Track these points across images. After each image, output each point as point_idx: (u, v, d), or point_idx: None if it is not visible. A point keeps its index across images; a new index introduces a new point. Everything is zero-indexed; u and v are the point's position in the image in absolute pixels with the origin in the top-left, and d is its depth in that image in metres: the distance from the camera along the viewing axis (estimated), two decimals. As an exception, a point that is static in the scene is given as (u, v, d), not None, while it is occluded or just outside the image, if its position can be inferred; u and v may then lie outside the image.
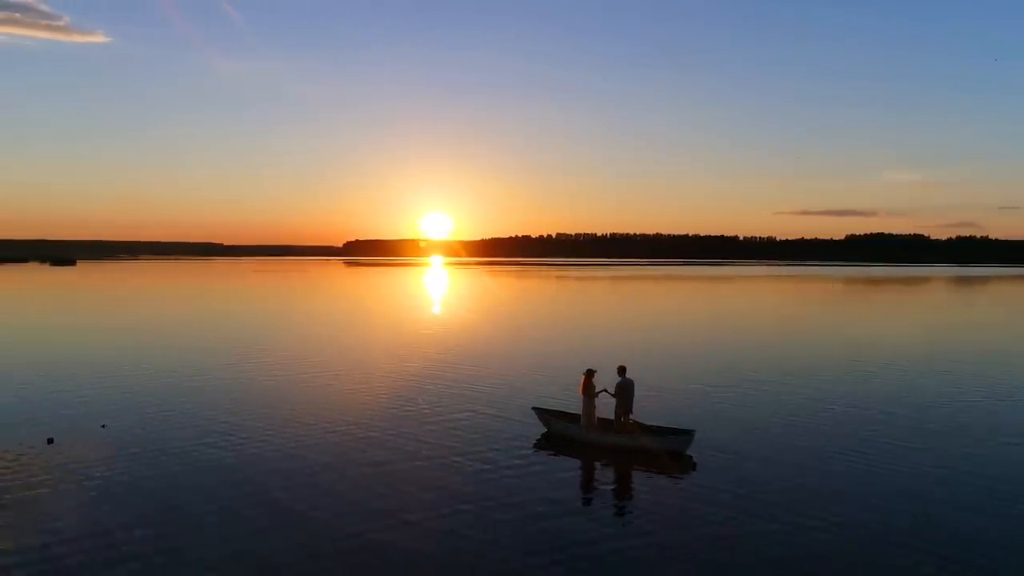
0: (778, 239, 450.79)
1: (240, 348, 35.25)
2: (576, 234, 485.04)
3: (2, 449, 17.02)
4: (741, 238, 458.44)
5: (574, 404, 19.33)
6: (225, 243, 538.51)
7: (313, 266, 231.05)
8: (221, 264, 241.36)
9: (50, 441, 17.65)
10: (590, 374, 18.35)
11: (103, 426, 19.26)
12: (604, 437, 17.87)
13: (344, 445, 18.00)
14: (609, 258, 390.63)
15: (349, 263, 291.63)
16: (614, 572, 11.14)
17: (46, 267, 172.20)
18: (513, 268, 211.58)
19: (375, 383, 26.51)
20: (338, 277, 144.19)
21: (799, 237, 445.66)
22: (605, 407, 18.31)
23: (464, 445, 17.95)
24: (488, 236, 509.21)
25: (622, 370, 18.11)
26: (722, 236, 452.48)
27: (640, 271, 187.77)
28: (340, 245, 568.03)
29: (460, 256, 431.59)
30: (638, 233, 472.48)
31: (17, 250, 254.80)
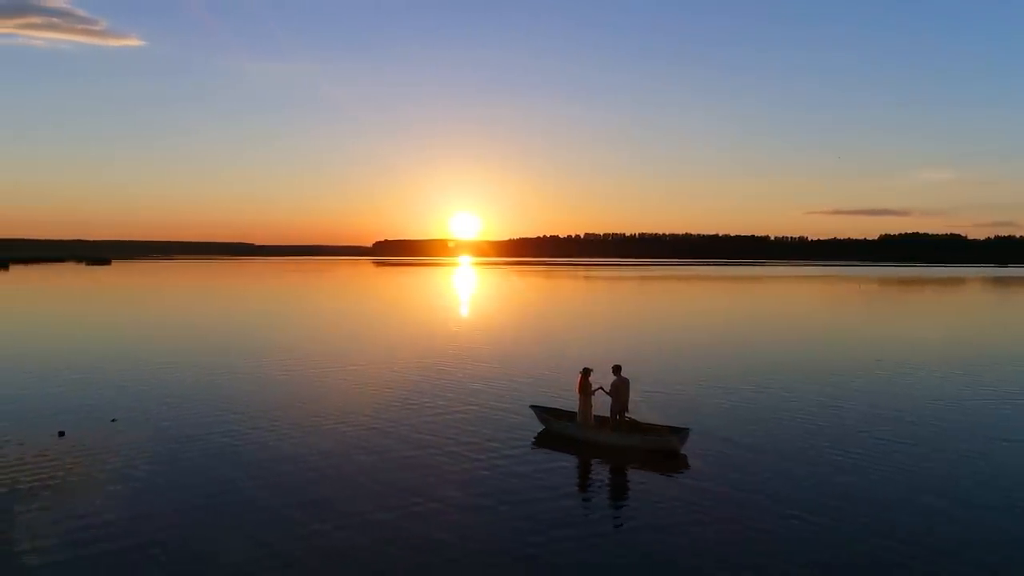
0: (810, 239, 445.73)
1: (257, 345, 35.87)
2: (604, 234, 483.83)
3: (16, 440, 17.66)
4: (772, 238, 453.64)
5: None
6: (257, 243, 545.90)
7: (342, 266, 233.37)
8: (252, 264, 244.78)
9: (61, 434, 18.23)
10: (586, 373, 18.49)
11: (113, 420, 19.82)
12: (599, 435, 17.97)
13: (346, 437, 18.47)
14: (638, 258, 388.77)
15: (378, 263, 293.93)
16: (601, 567, 11.22)
17: (82, 266, 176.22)
18: (541, 268, 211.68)
19: (388, 379, 26.90)
20: (366, 277, 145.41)
21: (831, 237, 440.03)
22: (603, 405, 18.40)
23: (462, 439, 18.28)
24: (516, 236, 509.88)
25: (617, 369, 18.20)
26: (752, 236, 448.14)
27: (668, 271, 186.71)
28: (370, 245, 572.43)
29: (488, 256, 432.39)
30: (667, 233, 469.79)
31: (55, 250, 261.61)
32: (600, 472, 16.45)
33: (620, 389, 17.91)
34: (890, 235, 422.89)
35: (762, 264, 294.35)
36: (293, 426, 19.56)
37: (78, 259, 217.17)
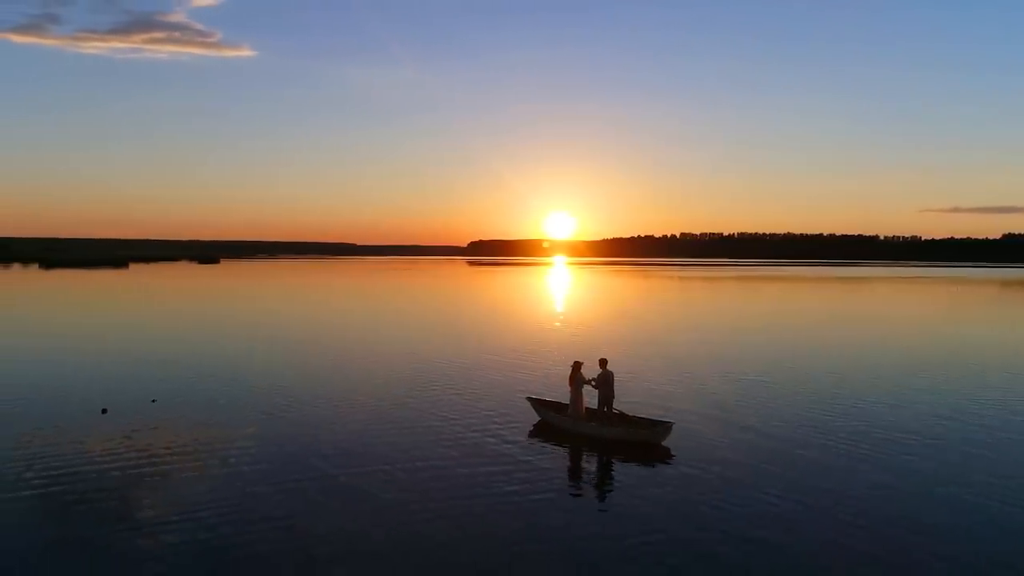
0: (923, 239, 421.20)
1: (314, 338, 37.97)
2: (701, 234, 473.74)
3: (63, 414, 19.98)
4: (881, 238, 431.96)
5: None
6: (358, 243, 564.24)
7: (435, 265, 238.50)
8: (351, 264, 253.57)
9: (104, 411, 20.28)
10: (577, 366, 19.00)
11: (153, 401, 21.78)
12: (586, 427, 18.46)
13: (362, 419, 20.03)
14: (736, 258, 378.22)
15: (472, 263, 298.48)
16: (581, 554, 11.73)
17: (193, 265, 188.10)
18: (635, 268, 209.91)
19: (429, 369, 28.35)
20: (455, 277, 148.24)
21: (948, 236, 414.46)
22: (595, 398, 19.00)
23: (465, 428, 19.28)
24: (611, 236, 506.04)
25: (603, 363, 18.68)
26: (860, 236, 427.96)
27: (765, 272, 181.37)
28: (464, 245, 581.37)
29: (583, 256, 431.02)
30: (768, 233, 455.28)
31: (173, 250, 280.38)
32: (585, 461, 17.04)
33: (606, 382, 18.37)
34: (1014, 234, 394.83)
35: (870, 265, 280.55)
36: (320, 408, 21.41)
37: (191, 258, 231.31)
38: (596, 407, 18.88)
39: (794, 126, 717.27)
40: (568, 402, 19.17)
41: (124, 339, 37.10)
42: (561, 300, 78.13)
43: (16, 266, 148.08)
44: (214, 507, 13.32)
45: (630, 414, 18.63)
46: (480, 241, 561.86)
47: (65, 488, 14.21)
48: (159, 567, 10.97)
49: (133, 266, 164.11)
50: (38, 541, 11.84)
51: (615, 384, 18.75)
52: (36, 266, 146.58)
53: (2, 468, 15.32)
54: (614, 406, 18.60)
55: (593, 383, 18.64)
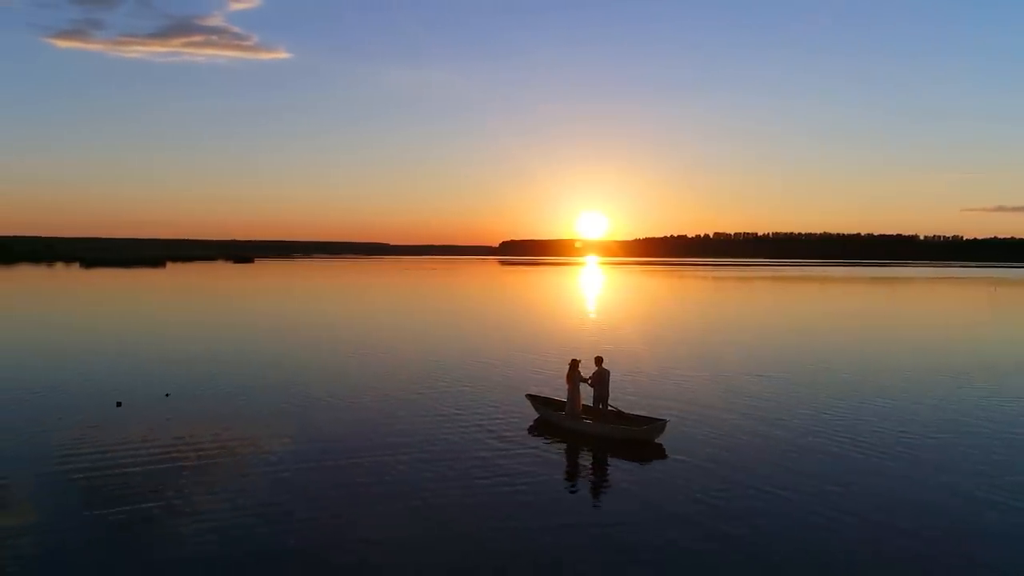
0: (965, 239, 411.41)
1: (336, 335, 38.65)
2: (735, 233, 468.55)
3: (79, 407, 20.80)
4: (921, 237, 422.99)
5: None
6: (391, 243, 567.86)
7: (466, 265, 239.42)
8: (383, 263, 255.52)
9: (119, 405, 20.99)
10: (575, 364, 19.19)
11: (167, 395, 22.45)
12: (582, 424, 18.67)
13: (368, 413, 20.70)
14: (771, 259, 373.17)
15: (503, 262, 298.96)
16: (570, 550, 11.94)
17: (228, 264, 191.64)
18: (667, 268, 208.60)
19: (445, 366, 29.03)
20: (487, 276, 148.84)
21: (991, 236, 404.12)
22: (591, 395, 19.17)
23: (469, 423, 19.68)
24: (643, 236, 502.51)
25: (599, 360, 18.88)
26: (899, 236, 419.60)
27: (798, 272, 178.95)
28: (496, 245, 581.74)
29: (615, 256, 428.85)
30: (803, 232, 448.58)
31: (210, 249, 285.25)
32: (578, 458, 17.30)
33: (601, 380, 18.55)
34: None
35: (909, 265, 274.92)
36: (333, 402, 22.20)
37: (227, 258, 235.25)
38: (592, 405, 19.04)
39: (831, 124, 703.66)
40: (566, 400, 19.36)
41: (146, 335, 38.17)
42: (592, 300, 78.18)
43: (59, 265, 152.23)
44: (216, 499, 13.81)
45: (626, 412, 18.78)
46: (512, 241, 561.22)
47: (72, 482, 14.79)
48: (172, 554, 11.38)
49: (170, 265, 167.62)
50: (48, 533, 12.23)
51: (611, 383, 18.96)
52: (77, 265, 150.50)
53: (13, 461, 15.98)
54: (610, 403, 18.78)
55: (589, 381, 18.84)
